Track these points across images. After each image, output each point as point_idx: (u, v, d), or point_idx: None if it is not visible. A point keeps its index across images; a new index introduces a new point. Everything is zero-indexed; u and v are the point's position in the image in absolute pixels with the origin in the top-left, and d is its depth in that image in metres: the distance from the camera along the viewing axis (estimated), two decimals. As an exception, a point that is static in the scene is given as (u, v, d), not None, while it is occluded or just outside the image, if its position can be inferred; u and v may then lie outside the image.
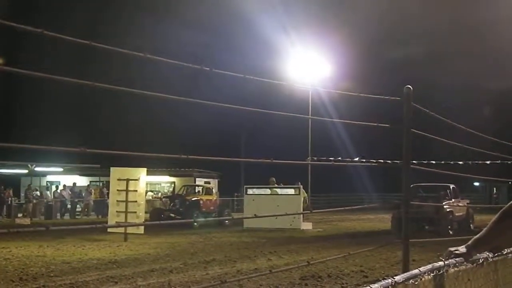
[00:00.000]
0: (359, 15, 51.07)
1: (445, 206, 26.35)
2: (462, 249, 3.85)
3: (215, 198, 37.15)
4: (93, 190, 45.15)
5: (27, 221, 36.95)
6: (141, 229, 23.99)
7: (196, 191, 36.99)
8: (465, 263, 3.82)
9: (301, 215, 31.08)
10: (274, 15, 53.41)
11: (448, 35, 50.69)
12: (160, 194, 42.39)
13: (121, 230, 23.10)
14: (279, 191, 33.09)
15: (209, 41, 60.94)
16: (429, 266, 3.51)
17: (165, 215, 32.79)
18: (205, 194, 36.13)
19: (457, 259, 3.76)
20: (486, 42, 43.29)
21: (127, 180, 23.93)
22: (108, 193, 30.97)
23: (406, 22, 50.88)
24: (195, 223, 30.27)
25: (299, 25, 52.13)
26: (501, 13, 36.27)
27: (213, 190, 37.90)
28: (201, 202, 34.85)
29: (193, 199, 34.96)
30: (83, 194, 44.38)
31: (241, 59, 49.50)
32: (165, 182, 50.35)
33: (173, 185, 47.88)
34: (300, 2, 55.79)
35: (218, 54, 56.72)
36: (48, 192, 44.97)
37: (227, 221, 32.93)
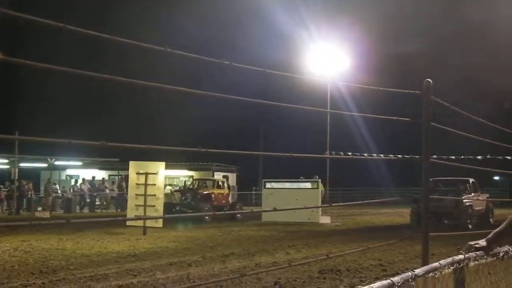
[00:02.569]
0: (379, 8, 50.85)
1: (464, 200, 26.24)
2: (482, 242, 3.84)
3: (227, 192, 36.99)
4: (107, 185, 45.09)
5: (46, 214, 37.18)
6: (159, 223, 24.03)
7: (208, 185, 36.88)
8: (485, 256, 3.81)
9: (320, 208, 31.06)
10: (292, 9, 53.34)
11: (470, 30, 50.31)
12: (178, 187, 42.33)
13: (140, 223, 23.19)
14: (297, 185, 33.09)
15: (227, 35, 60.91)
16: (450, 260, 3.50)
17: (177, 209, 32.75)
18: (216, 188, 36.05)
19: (477, 252, 3.75)
20: (504, 36, 42.95)
21: (146, 174, 23.99)
22: (127, 187, 31.05)
23: (427, 15, 50.65)
24: (207, 218, 30.13)
25: (318, 19, 52.02)
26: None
27: (225, 184, 37.65)
28: (212, 196, 34.75)
29: (204, 192, 34.89)
30: (102, 187, 44.46)
31: (259, 53, 49.42)
32: (183, 176, 50.44)
33: (191, 179, 47.98)
34: (318, -4, 55.65)
35: (237, 48, 56.67)
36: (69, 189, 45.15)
37: (239, 215, 32.85)
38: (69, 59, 45.54)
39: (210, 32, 57.37)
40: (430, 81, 7.37)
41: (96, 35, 4.13)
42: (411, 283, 3.04)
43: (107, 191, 44.42)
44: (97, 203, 44.39)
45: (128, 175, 26.40)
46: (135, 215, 23.18)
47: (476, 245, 3.80)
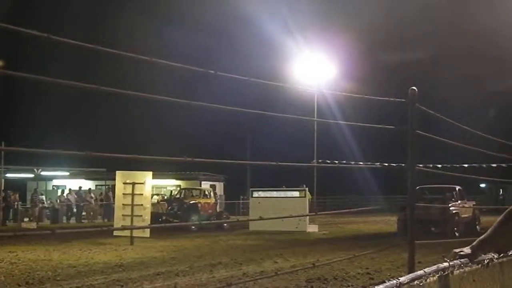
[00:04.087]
0: (364, 17, 51.10)
1: (451, 208, 26.31)
2: (467, 250, 3.85)
3: (213, 201, 36.97)
4: (92, 195, 44.79)
5: (33, 225, 37.03)
6: (147, 233, 23.99)
7: (194, 194, 36.83)
8: (470, 264, 3.82)
9: (307, 217, 31.04)
10: (279, 17, 53.49)
11: (452, 37, 50.68)
12: (166, 197, 42.26)
13: (127, 233, 23.10)
14: (284, 194, 33.07)
15: (213, 43, 61.07)
16: (434, 267, 3.51)
17: (163, 218, 32.65)
18: (203, 197, 36.00)
19: (462, 260, 3.76)
20: (489, 43, 43.29)
21: (133, 184, 23.94)
22: (114, 197, 30.95)
23: (412, 23, 50.90)
24: (193, 227, 30.03)
25: (304, 27, 52.13)
26: (504, 16, 36.27)
27: (212, 193, 37.66)
28: (199, 205, 34.69)
29: (191, 202, 34.82)
30: (87, 198, 44.20)
31: (245, 62, 49.53)
32: (171, 185, 50.38)
33: (178, 189, 47.93)
34: (304, 5, 55.83)
35: (222, 57, 56.79)
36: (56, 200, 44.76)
37: (226, 225, 32.73)
38: (58, 67, 45.48)
39: (198, 41, 57.40)
40: (415, 89, 7.40)
41: (80, 45, 4.13)
42: (396, 291, 3.04)
43: (92, 201, 44.20)
44: (84, 213, 44.17)
45: (115, 185, 26.31)
46: (122, 225, 23.12)
47: (461, 253, 3.81)
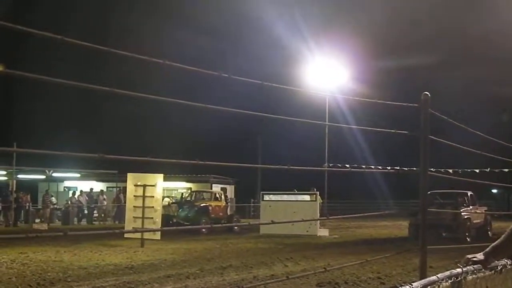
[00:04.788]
0: (377, 21, 51.00)
1: (462, 213, 26.22)
2: (480, 256, 3.83)
3: (224, 204, 36.93)
4: (105, 197, 45.01)
5: (44, 226, 37.12)
6: (157, 235, 23.99)
7: (205, 197, 36.82)
8: (483, 270, 3.80)
9: (318, 221, 30.98)
10: (291, 21, 53.49)
11: (465, 41, 50.48)
12: (176, 200, 42.23)
13: (138, 235, 23.15)
14: (295, 197, 33.01)
15: (226, 47, 61.10)
16: (447, 273, 3.49)
17: (174, 221, 32.65)
18: (214, 200, 35.98)
19: (475, 266, 3.74)
20: (502, 47, 43.09)
21: (144, 186, 23.96)
22: (125, 199, 30.98)
23: (424, 27, 50.81)
24: (204, 230, 30.11)
25: (316, 31, 52.17)
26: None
27: (222, 196, 37.61)
28: (210, 208, 34.67)
29: (201, 205, 34.80)
30: (100, 200, 44.39)
31: (258, 66, 49.53)
32: (182, 188, 50.41)
33: (188, 191, 47.96)
34: (317, 9, 55.83)
35: (235, 60, 56.84)
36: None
37: (236, 228, 32.66)
38: (69, 68, 45.65)
39: (210, 44, 57.51)
40: (428, 94, 7.36)
41: (93, 47, 4.13)
42: (408, 297, 3.03)
43: (104, 203, 44.37)
44: (95, 215, 44.32)
45: (126, 187, 26.34)
46: (133, 227, 23.17)
47: (474, 259, 3.79)
